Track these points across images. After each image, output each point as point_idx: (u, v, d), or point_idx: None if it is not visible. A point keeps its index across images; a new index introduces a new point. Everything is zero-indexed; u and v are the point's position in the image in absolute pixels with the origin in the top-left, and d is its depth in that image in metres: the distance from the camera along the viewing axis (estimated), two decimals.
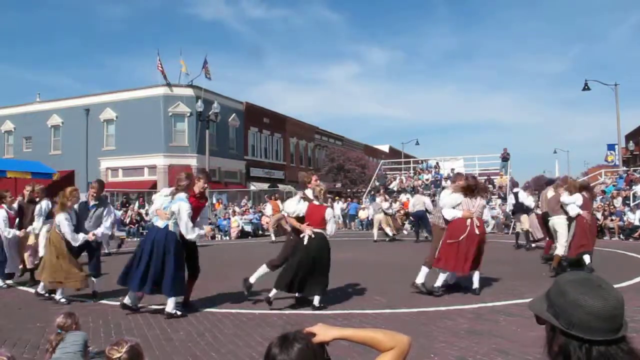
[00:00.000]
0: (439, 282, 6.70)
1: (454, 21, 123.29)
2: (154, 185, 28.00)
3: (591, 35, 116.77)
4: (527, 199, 12.90)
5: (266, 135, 38.51)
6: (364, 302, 6.40)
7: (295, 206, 6.47)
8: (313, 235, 6.09)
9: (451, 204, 6.90)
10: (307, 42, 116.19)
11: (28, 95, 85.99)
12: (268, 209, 17.61)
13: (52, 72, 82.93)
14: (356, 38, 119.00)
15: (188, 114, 30.34)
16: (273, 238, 16.90)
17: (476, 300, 6.39)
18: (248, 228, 20.16)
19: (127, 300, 5.86)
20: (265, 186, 33.91)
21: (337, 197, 29.37)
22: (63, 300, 6.47)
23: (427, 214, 14.92)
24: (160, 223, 5.80)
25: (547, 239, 10.85)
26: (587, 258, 8.29)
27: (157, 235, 5.75)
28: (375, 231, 16.84)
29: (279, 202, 17.96)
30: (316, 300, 6.08)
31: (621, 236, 16.56)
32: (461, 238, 6.65)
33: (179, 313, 5.71)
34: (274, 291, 6.07)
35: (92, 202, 6.90)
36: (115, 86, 51.26)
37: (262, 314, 5.85)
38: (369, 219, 21.25)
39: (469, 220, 6.72)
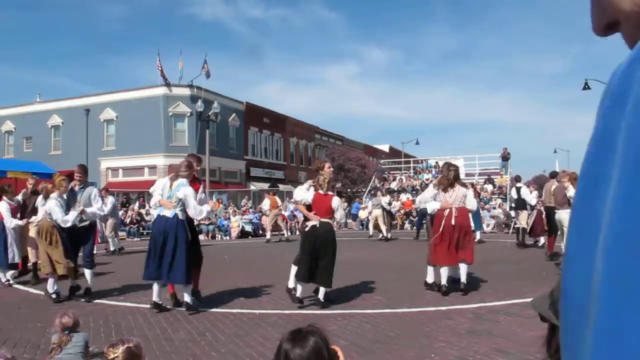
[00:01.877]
0: (443, 279, 6.70)
1: (453, 21, 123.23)
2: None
3: (591, 35, 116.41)
4: (528, 195, 12.95)
5: (266, 135, 38.50)
6: (365, 302, 6.40)
7: (303, 194, 6.47)
8: (318, 225, 6.14)
9: (426, 198, 7.25)
10: (306, 41, 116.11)
11: (28, 95, 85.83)
12: (266, 203, 17.60)
13: (52, 72, 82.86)
14: (355, 38, 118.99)
15: (188, 114, 30.33)
16: (268, 236, 16.99)
17: (476, 300, 6.39)
18: (248, 228, 20.16)
19: (155, 298, 5.90)
20: (265, 186, 33.87)
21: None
22: (54, 295, 6.53)
23: None
24: (167, 212, 5.86)
25: (549, 235, 10.87)
26: None
27: (167, 224, 5.82)
28: (371, 227, 17.06)
29: (276, 197, 17.97)
30: (321, 293, 6.12)
31: None
32: (440, 229, 6.70)
33: (194, 303, 5.90)
34: (299, 287, 6.14)
35: (77, 187, 6.95)
36: (115, 86, 51.16)
37: (262, 313, 5.85)
38: (369, 218, 21.25)
39: (447, 211, 6.74)
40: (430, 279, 7.03)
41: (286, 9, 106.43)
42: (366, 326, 5.20)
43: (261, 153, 37.97)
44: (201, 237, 18.05)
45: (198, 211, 5.92)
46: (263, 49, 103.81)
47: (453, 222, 6.65)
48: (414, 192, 24.21)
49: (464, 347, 4.37)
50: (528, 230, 12.91)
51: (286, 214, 20.04)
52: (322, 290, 6.13)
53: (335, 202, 6.27)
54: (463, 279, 6.71)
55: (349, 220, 24.56)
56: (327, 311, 5.94)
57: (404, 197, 24.15)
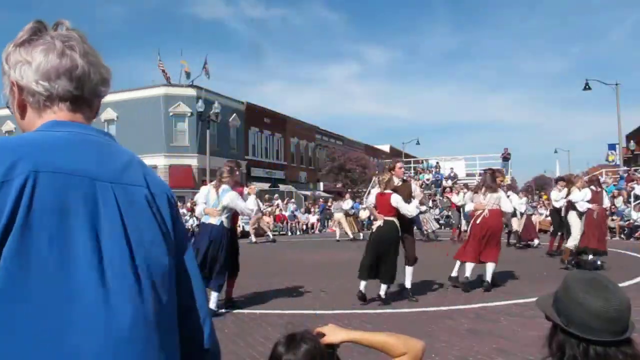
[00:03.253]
0: (467, 272, 7.08)
1: (454, 20, 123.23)
2: None
3: (592, 35, 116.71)
4: (517, 202, 13.20)
5: (267, 135, 38.51)
6: (365, 302, 6.40)
7: (370, 197, 6.82)
8: (382, 224, 6.27)
9: (466, 200, 8.23)
10: (306, 41, 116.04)
11: None
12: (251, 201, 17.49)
13: None
14: (356, 38, 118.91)
15: (189, 114, 30.34)
16: (253, 239, 16.87)
17: (477, 300, 6.40)
18: (248, 228, 20.14)
19: (212, 305, 5.64)
20: (266, 186, 33.89)
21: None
22: None
23: (421, 213, 15.13)
24: (213, 220, 5.86)
25: (552, 235, 11.19)
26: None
27: (212, 232, 5.82)
28: (337, 230, 17.49)
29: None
30: (382, 290, 6.24)
31: (622, 236, 16.57)
32: (470, 229, 7.24)
33: (222, 310, 5.85)
34: (362, 283, 6.21)
35: None
36: (115, 86, 50.96)
37: (263, 313, 5.85)
38: (371, 219, 21.26)
39: (479, 212, 7.13)
40: (455, 272, 7.31)
41: (286, 9, 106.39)
42: (367, 326, 5.20)
43: (262, 153, 37.97)
44: None
45: (248, 210, 6.32)
46: (263, 48, 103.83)
47: (478, 222, 7.02)
48: None
49: (465, 347, 4.38)
50: (520, 233, 13.58)
51: (287, 214, 19.99)
52: (382, 287, 6.25)
53: (394, 199, 6.25)
54: (488, 278, 6.97)
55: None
56: (328, 311, 5.94)
57: None
